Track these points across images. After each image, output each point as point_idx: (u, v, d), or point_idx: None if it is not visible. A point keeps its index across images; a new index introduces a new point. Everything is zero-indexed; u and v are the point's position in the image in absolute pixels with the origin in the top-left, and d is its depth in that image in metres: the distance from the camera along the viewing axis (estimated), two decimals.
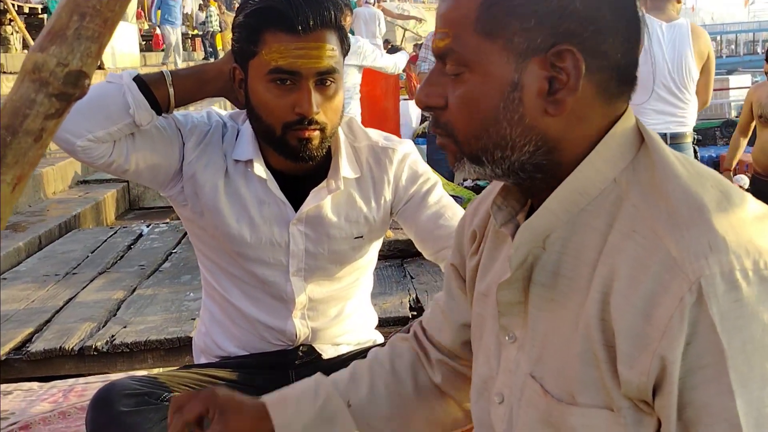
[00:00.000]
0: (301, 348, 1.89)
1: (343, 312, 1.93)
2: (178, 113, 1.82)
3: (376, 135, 1.90)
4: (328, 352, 1.91)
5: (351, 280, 1.92)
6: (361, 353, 1.87)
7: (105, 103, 1.68)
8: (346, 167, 1.82)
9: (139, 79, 1.73)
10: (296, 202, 1.82)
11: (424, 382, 1.38)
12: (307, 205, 1.81)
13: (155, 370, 2.91)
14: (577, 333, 0.96)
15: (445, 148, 1.05)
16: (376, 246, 1.95)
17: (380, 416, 1.36)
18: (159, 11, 15.56)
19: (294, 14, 1.66)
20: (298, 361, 1.87)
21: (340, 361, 1.86)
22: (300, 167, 1.79)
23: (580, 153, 1.00)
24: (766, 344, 0.85)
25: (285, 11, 1.66)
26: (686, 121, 4.54)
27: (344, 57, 1.76)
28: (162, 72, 1.78)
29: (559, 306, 1.00)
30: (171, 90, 1.75)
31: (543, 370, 1.02)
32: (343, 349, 1.94)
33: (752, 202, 0.95)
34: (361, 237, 1.87)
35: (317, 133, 1.70)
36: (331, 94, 1.71)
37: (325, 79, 1.69)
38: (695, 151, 5.25)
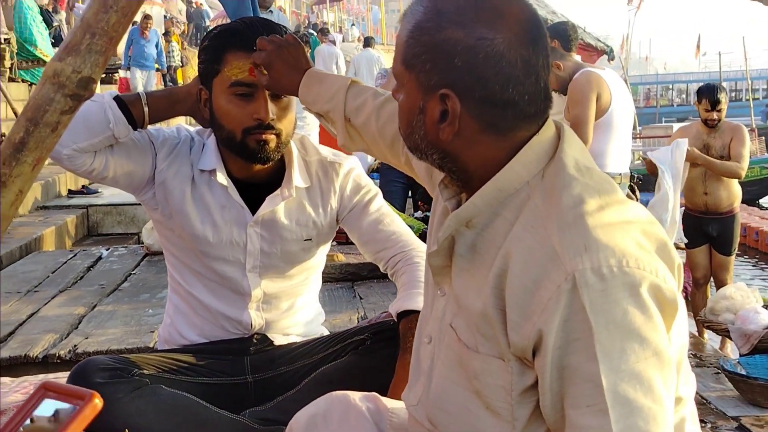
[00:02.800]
0: (255, 336, 2.12)
1: (294, 306, 2.17)
2: (152, 128, 2.07)
3: (326, 151, 2.17)
4: (279, 340, 2.15)
5: (301, 278, 2.17)
6: (309, 343, 2.11)
7: (88, 118, 1.91)
8: (297, 178, 2.08)
9: (118, 99, 1.98)
10: (253, 206, 2.07)
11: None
12: (263, 210, 2.06)
13: None
14: (480, 298, 1.22)
15: None
16: (324, 250, 2.20)
17: (361, 140, 1.80)
18: (131, 50, 14.33)
19: (252, 35, 1.93)
20: (252, 348, 2.10)
21: (291, 349, 2.10)
22: (257, 176, 2.04)
23: (486, 164, 1.25)
24: (624, 325, 1.11)
25: (243, 32, 1.94)
26: None
27: None
28: (138, 93, 2.04)
29: (470, 275, 1.26)
30: (146, 109, 2.00)
31: (458, 322, 1.28)
32: (293, 339, 2.17)
33: (626, 209, 1.21)
34: (310, 240, 2.12)
35: (273, 137, 1.96)
36: (284, 106, 1.98)
37: None
38: (634, 191, 5.56)
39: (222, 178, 2.04)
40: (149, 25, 14.70)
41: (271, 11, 8.18)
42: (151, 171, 2.05)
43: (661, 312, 1.13)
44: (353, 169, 2.15)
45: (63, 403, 1.39)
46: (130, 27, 15.06)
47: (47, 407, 1.40)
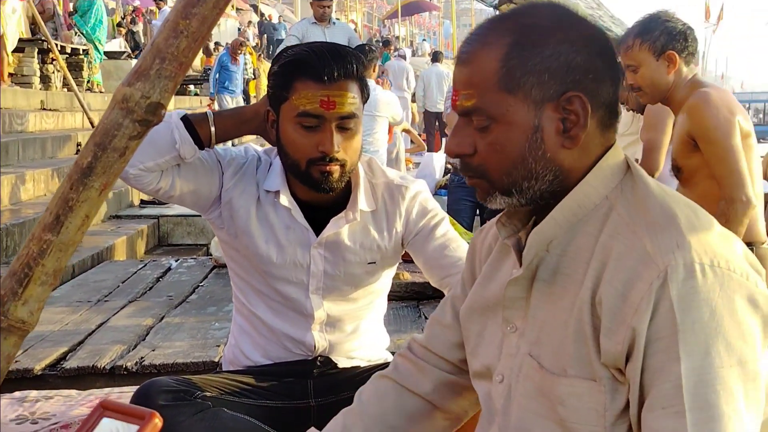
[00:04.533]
0: (318, 358, 2.10)
1: (358, 329, 2.15)
2: (220, 148, 2.07)
3: (393, 174, 2.14)
4: (342, 363, 2.13)
5: (366, 302, 2.15)
6: (374, 369, 2.08)
7: (155, 138, 1.89)
8: (363, 201, 2.06)
9: (185, 119, 1.98)
10: (318, 228, 2.05)
11: (412, 407, 1.55)
12: (327, 231, 2.05)
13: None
14: (572, 317, 1.19)
15: (476, 186, 1.29)
16: (389, 273, 2.18)
17: None
18: (217, 77, 13.63)
19: (321, 66, 1.90)
20: (316, 371, 2.09)
21: (355, 374, 2.07)
22: (322, 198, 2.03)
23: (579, 178, 1.24)
24: (711, 325, 1.08)
25: (313, 63, 1.91)
26: None
27: (364, 104, 2.00)
28: (206, 113, 2.04)
29: (557, 298, 1.23)
30: (212, 129, 2.01)
31: (539, 349, 1.24)
32: (357, 363, 2.15)
33: (718, 224, 1.18)
34: (374, 263, 2.10)
35: (337, 167, 1.94)
36: (350, 136, 1.95)
37: (345, 122, 1.93)
38: None
39: (285, 200, 2.04)
40: (241, 51, 14.08)
41: (334, 23, 8.15)
42: (218, 190, 2.05)
43: (754, 318, 1.10)
44: (420, 193, 2.12)
45: (122, 422, 1.38)
46: (221, 51, 14.07)
47: (106, 426, 1.39)
